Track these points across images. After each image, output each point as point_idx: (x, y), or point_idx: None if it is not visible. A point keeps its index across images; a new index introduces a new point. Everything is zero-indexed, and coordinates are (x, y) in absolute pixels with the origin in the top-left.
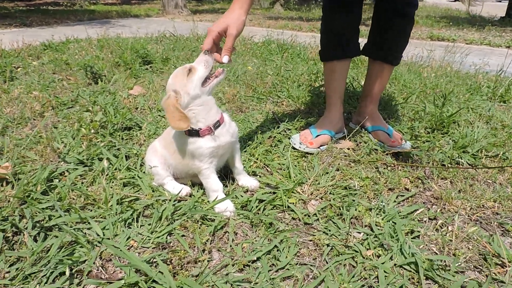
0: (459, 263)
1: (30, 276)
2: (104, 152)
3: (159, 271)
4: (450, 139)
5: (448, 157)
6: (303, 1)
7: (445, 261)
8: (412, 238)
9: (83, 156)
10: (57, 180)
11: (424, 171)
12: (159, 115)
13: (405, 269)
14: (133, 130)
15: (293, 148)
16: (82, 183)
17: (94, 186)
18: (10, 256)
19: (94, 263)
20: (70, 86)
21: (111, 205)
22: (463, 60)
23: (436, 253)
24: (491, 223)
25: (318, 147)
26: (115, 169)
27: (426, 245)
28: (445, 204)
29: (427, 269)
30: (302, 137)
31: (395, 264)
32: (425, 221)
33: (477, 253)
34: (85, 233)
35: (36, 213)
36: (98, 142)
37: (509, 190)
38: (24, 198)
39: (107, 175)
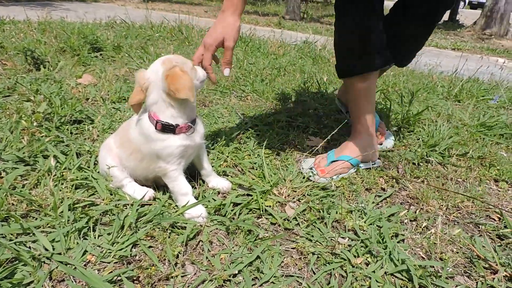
0: (449, 268)
1: None
2: (50, 148)
3: None
4: (416, 137)
5: (418, 156)
6: None
7: (433, 267)
8: (397, 242)
9: (23, 153)
10: None
11: (397, 170)
12: (114, 108)
13: (396, 277)
14: (84, 124)
15: (300, 172)
16: (23, 185)
17: (39, 189)
18: None
19: (42, 286)
20: (6, 72)
21: (62, 212)
22: (418, 60)
23: (424, 258)
24: (468, 223)
25: (331, 177)
26: (64, 168)
27: (412, 249)
28: (423, 205)
29: (420, 277)
30: (316, 161)
31: (385, 272)
32: (406, 223)
33: (463, 256)
34: (29, 247)
35: None
36: (42, 136)
37: (479, 189)
38: None
39: (54, 175)
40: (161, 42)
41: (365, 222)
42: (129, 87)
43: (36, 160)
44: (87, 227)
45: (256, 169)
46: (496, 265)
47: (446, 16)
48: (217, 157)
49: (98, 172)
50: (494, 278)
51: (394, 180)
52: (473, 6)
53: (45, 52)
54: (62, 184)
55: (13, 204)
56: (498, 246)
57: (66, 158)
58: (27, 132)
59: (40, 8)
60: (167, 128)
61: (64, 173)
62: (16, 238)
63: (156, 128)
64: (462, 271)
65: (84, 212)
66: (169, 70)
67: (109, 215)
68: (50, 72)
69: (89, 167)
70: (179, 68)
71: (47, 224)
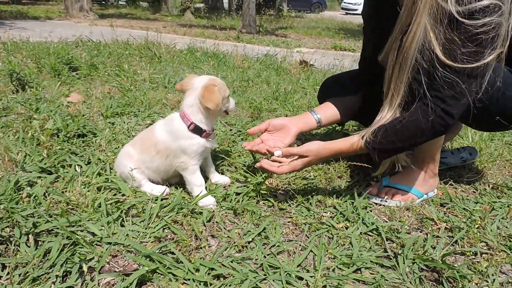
0: (406, 226)
1: (40, 277)
2: (72, 158)
3: (172, 258)
4: None
5: None
6: (212, 9)
7: (395, 226)
8: (367, 212)
9: (45, 164)
10: (29, 187)
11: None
12: (109, 122)
13: (369, 235)
14: (88, 137)
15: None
16: (53, 190)
17: (68, 193)
18: (8, 263)
19: (98, 260)
20: None
21: (99, 207)
22: None
23: (387, 221)
24: None
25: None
26: (86, 176)
27: (378, 216)
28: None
29: (386, 232)
30: (373, 190)
31: (361, 232)
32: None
33: (417, 218)
34: (79, 236)
35: (17, 222)
36: (57, 149)
37: None
38: None
39: (80, 181)
40: (132, 59)
41: (341, 200)
42: (119, 103)
43: (57, 169)
44: (121, 218)
45: (249, 167)
46: (440, 222)
47: None
48: (214, 158)
49: (115, 175)
50: (439, 230)
51: (361, 169)
52: None
53: (28, 74)
54: (88, 187)
55: (52, 205)
56: (442, 211)
57: (87, 166)
58: (43, 146)
59: None
60: (197, 130)
61: (85, 179)
62: (65, 229)
63: (188, 128)
64: (416, 228)
65: (116, 207)
66: (210, 85)
67: (136, 208)
68: (39, 92)
69: (105, 172)
70: (217, 88)
71: (86, 218)
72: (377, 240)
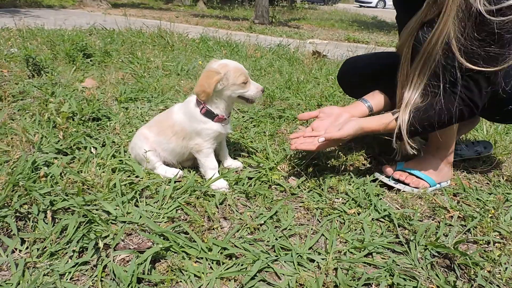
0: (419, 214)
1: (58, 252)
2: (87, 140)
3: (185, 237)
4: None
5: None
6: (225, 0)
7: (407, 213)
8: (379, 199)
9: (61, 145)
10: (46, 167)
11: (374, 149)
12: (123, 107)
13: (381, 221)
14: (103, 121)
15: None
16: (70, 170)
17: (84, 173)
18: (27, 238)
19: (113, 237)
20: (11, 78)
21: (114, 187)
22: None
23: (399, 208)
24: None
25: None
26: (101, 157)
27: (391, 203)
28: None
29: (398, 219)
30: (387, 170)
31: (373, 218)
32: (384, 187)
33: (429, 206)
34: (94, 214)
35: (35, 199)
36: (73, 131)
37: None
38: (18, 185)
39: (95, 163)
40: (145, 47)
41: (353, 187)
42: (132, 89)
43: (73, 151)
44: (135, 198)
45: (260, 152)
46: (453, 210)
47: None
48: (227, 143)
49: (129, 158)
50: (451, 218)
51: (373, 158)
52: None
53: (44, 59)
54: (103, 168)
55: (68, 185)
56: (455, 201)
57: (102, 148)
58: (59, 128)
59: (8, 15)
60: (209, 114)
61: (100, 161)
62: (81, 208)
63: (200, 111)
64: (428, 216)
65: (130, 188)
66: (210, 70)
67: (149, 190)
68: (55, 77)
69: (119, 154)
70: (218, 77)
71: (102, 198)
72: (389, 226)
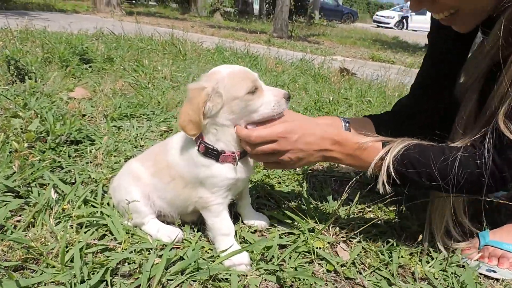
0: None
1: None
2: (46, 176)
3: None
4: None
5: None
6: (242, 13)
7: None
8: None
9: (14, 181)
10: None
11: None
12: (115, 126)
13: None
14: (84, 145)
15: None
16: (15, 226)
17: (36, 229)
18: None
19: None
20: None
21: (71, 262)
22: None
23: None
24: None
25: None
26: (67, 202)
27: None
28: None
29: None
30: (468, 252)
31: None
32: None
33: None
34: None
35: None
36: (36, 161)
37: None
38: None
39: (56, 212)
40: (154, 55)
41: (434, 268)
42: (129, 103)
43: (30, 191)
44: (105, 282)
45: (293, 201)
46: None
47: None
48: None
49: (108, 204)
50: None
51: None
52: None
53: (30, 62)
54: (66, 221)
55: (3, 252)
56: None
57: (69, 188)
58: (17, 155)
59: (17, 17)
60: (209, 152)
61: (65, 207)
62: None
63: (198, 150)
64: None
65: (99, 262)
66: (193, 88)
67: (129, 264)
68: (37, 84)
69: (95, 199)
70: (203, 94)
71: (51, 280)
72: None
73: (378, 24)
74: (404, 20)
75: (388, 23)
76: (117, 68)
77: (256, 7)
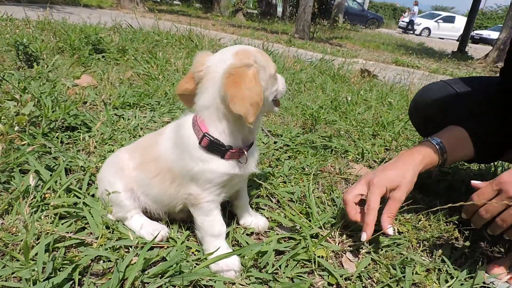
0: None
1: None
2: (31, 161)
3: None
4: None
5: None
6: (265, 15)
7: None
8: None
9: None
10: None
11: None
12: (116, 114)
13: None
14: (79, 132)
15: None
16: None
17: (9, 218)
18: None
19: None
20: None
21: (36, 257)
22: None
23: None
24: None
25: None
26: (48, 189)
27: None
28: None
29: None
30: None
31: None
32: None
33: None
34: None
35: None
36: (23, 145)
37: None
38: None
39: (32, 199)
40: (170, 49)
41: (452, 287)
42: (134, 92)
43: (11, 176)
44: (71, 281)
45: (297, 202)
46: None
47: (455, 47)
48: (248, 184)
49: (93, 196)
50: None
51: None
52: (474, 41)
53: (40, 48)
54: (42, 211)
55: None
56: None
57: (51, 175)
58: (3, 138)
59: (41, 10)
60: (214, 147)
61: (46, 196)
62: None
63: (200, 143)
64: None
65: (69, 259)
66: (237, 67)
67: (104, 261)
68: (43, 70)
69: (81, 188)
70: (252, 71)
71: (13, 274)
72: None
73: (403, 30)
74: (410, 26)
75: (415, 30)
76: (128, 59)
77: (279, 9)
